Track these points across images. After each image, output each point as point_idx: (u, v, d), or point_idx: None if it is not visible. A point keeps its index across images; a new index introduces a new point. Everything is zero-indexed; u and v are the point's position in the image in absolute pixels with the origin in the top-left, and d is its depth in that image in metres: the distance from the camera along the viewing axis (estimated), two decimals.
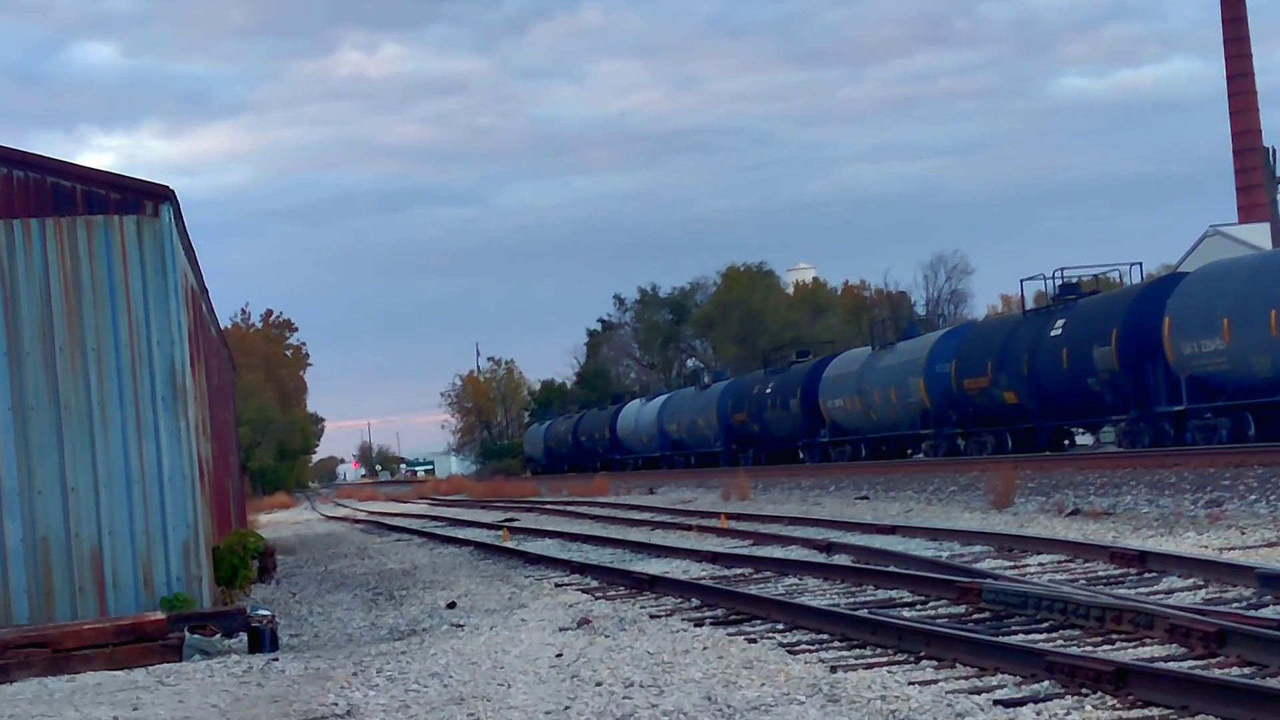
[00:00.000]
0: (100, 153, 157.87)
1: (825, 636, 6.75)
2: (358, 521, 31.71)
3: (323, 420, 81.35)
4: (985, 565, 9.46)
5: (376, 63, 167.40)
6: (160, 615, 8.88)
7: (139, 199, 9.68)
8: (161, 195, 9.67)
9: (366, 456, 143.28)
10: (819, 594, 8.82)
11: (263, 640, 8.85)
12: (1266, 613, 6.10)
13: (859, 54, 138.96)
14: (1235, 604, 6.49)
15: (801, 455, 35.15)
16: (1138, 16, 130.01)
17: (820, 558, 11.32)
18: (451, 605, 10.66)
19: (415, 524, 25.78)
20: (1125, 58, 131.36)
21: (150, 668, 8.26)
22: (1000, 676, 5.28)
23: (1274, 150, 32.79)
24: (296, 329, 67.55)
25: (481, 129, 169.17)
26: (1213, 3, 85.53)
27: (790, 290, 70.73)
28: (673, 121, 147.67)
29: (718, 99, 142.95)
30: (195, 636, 9.04)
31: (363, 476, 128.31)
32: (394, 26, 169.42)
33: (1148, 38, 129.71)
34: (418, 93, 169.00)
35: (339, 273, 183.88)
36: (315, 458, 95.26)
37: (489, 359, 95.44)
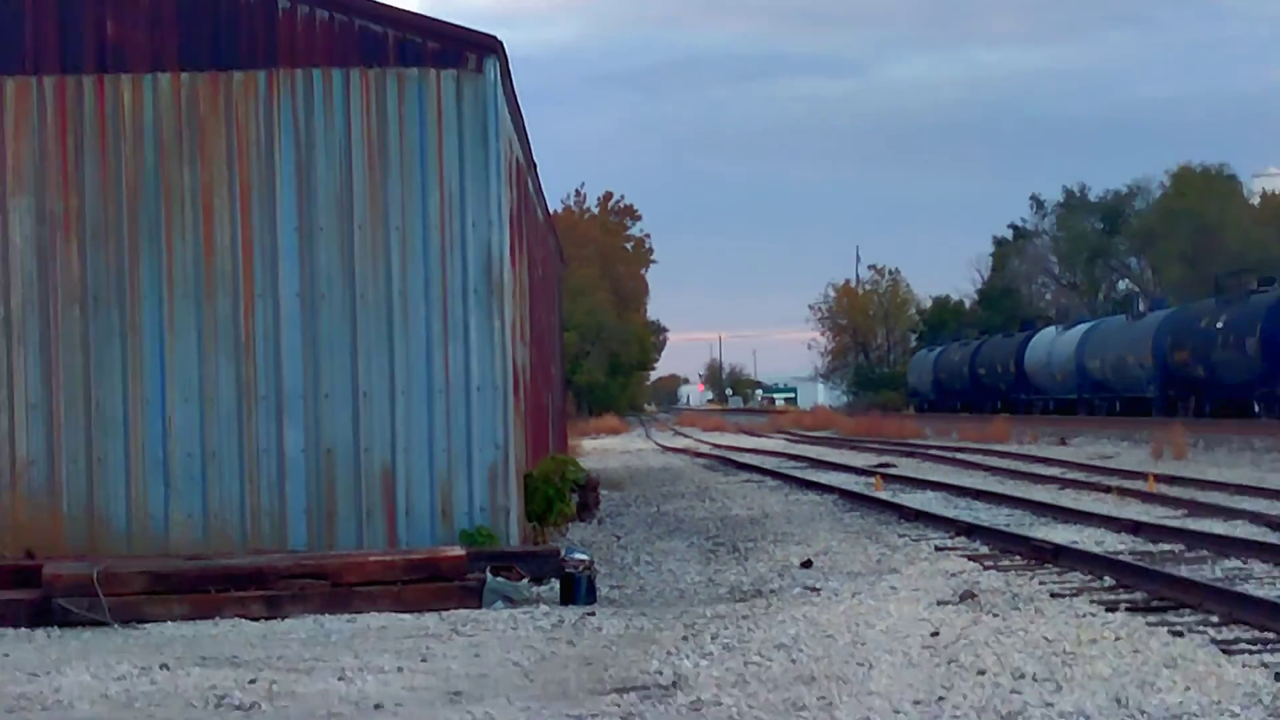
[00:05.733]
0: None
1: (1271, 635, 12.77)
2: (699, 455, 59.62)
3: (665, 331, 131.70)
4: None
5: None
6: (459, 551, 16.97)
7: (460, 50, 18.82)
8: (487, 47, 18.79)
9: (714, 377, 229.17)
10: (1267, 582, 16.37)
11: (577, 590, 16.83)
12: None
13: None
14: None
15: (1257, 409, 62.97)
16: None
17: (1273, 538, 20.01)
18: (807, 564, 20.30)
19: (769, 463, 49.31)
20: None
21: (443, 612, 16.07)
22: None
23: None
24: (640, 217, 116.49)
25: None
26: None
27: (1255, 201, 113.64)
28: None
29: None
30: (498, 579, 16.68)
31: (709, 401, 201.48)
32: None
33: None
34: None
35: (685, 153, 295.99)
36: (653, 375, 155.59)
37: (870, 267, 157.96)
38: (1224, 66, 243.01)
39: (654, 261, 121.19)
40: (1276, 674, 11.80)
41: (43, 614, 16.72)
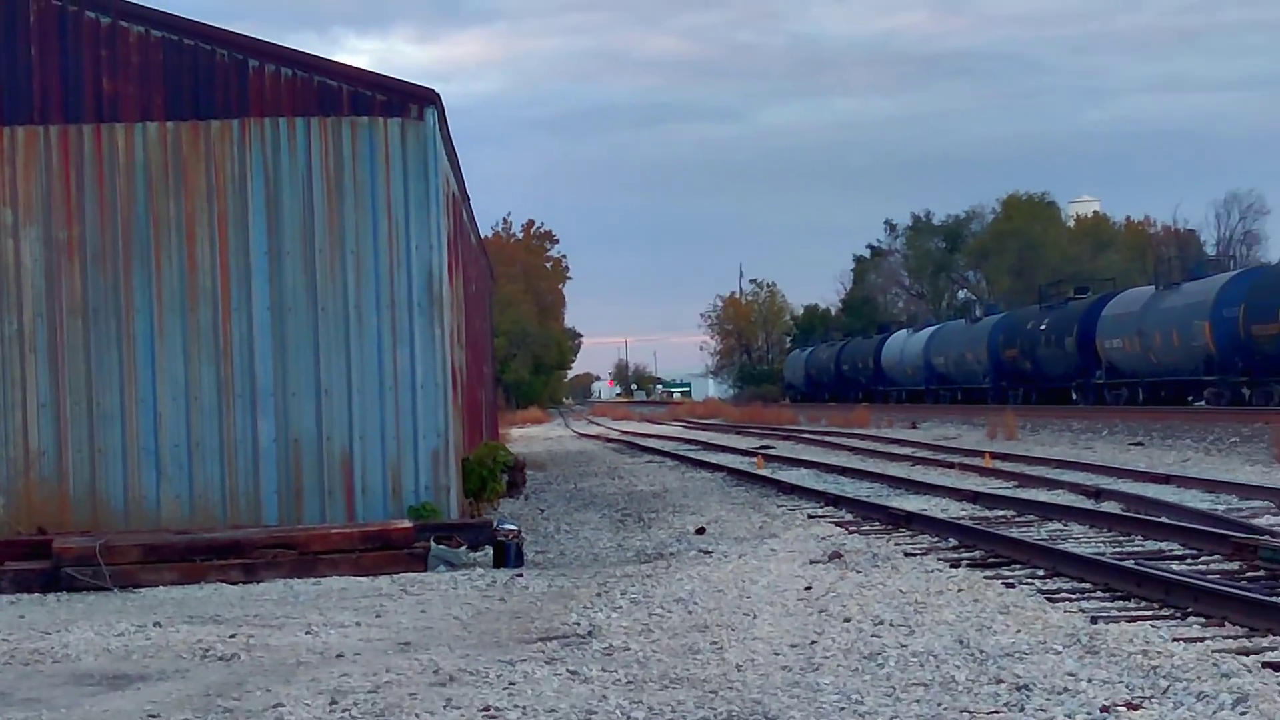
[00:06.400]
0: (354, 55, 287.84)
1: (1087, 586, 13.02)
2: (610, 440, 61.26)
3: (580, 336, 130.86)
4: (1264, 522, 17.03)
5: None
6: (408, 523, 17.25)
7: (404, 101, 19.19)
8: (426, 99, 19.20)
9: (622, 375, 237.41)
10: (1084, 541, 16.70)
11: (508, 555, 17.08)
12: None
13: None
14: None
15: (1074, 396, 63.97)
16: None
17: (1087, 504, 20.63)
18: (700, 531, 20.65)
19: (668, 446, 49.67)
20: None
21: (395, 576, 16.37)
22: (1272, 638, 10.07)
23: None
24: (557, 241, 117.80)
25: (741, 44, 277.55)
26: None
27: (1071, 223, 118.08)
28: (939, 44, 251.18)
29: (987, 22, 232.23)
30: (441, 547, 16.91)
31: (618, 395, 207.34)
32: None
33: None
34: (675, 5, 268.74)
35: (597, 187, 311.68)
36: (570, 374, 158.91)
37: (751, 281, 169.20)
38: (1044, 110, 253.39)
39: (569, 278, 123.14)
40: (1092, 618, 11.94)
41: (53, 581, 16.75)
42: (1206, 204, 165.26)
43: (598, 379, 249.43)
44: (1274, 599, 11.61)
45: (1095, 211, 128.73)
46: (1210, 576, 13.53)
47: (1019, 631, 11.37)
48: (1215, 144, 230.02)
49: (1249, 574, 13.89)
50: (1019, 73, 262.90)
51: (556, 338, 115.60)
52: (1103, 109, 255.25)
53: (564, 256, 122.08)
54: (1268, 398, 48.40)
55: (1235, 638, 10.91)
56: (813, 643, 11.28)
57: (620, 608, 13.48)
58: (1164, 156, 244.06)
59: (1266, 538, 15.00)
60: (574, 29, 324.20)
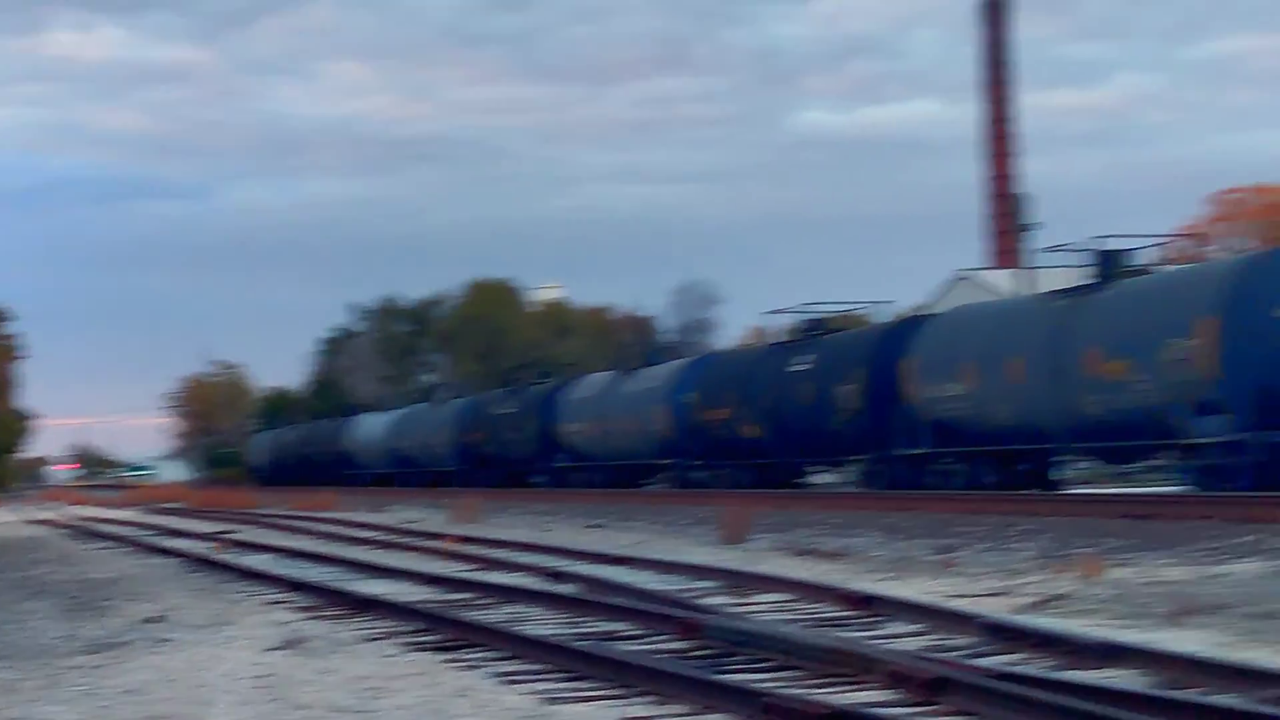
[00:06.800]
0: None
1: (542, 667, 13.21)
2: (64, 526, 56.44)
3: (33, 417, 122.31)
4: (712, 601, 17.81)
5: (91, 45, 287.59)
6: None
7: None
8: None
9: (81, 457, 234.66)
10: (541, 623, 16.99)
11: None
12: (987, 661, 11.54)
13: (599, 73, 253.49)
14: (956, 652, 12.27)
15: (537, 479, 64.40)
16: (879, 55, 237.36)
17: (546, 586, 21.24)
18: (156, 619, 19.19)
19: (125, 531, 47.31)
20: (868, 95, 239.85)
21: None
22: (717, 715, 10.33)
23: (1025, 197, 68.95)
24: (10, 319, 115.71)
25: (205, 122, 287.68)
26: (953, 45, 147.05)
27: (537, 308, 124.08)
28: (405, 128, 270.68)
29: (452, 109, 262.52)
30: None
31: (76, 479, 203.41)
32: (109, 9, 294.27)
33: (890, 77, 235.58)
34: (136, 80, 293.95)
35: (56, 263, 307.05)
36: (23, 456, 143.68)
37: (214, 362, 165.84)
38: (511, 197, 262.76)
39: (20, 357, 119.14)
40: (548, 699, 12.03)
41: None
42: (665, 292, 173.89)
43: (52, 463, 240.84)
44: (717, 677, 11.86)
45: (556, 298, 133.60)
46: (659, 656, 13.77)
47: (475, 714, 11.33)
48: (672, 234, 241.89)
49: (696, 653, 14.15)
50: (485, 159, 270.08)
51: (5, 419, 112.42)
52: (567, 197, 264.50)
53: (14, 335, 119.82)
54: (719, 480, 50.48)
55: (683, 715, 11.09)
56: None
57: (68, 700, 12.88)
58: (624, 245, 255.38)
59: (712, 617, 15.40)
60: (29, 100, 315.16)
